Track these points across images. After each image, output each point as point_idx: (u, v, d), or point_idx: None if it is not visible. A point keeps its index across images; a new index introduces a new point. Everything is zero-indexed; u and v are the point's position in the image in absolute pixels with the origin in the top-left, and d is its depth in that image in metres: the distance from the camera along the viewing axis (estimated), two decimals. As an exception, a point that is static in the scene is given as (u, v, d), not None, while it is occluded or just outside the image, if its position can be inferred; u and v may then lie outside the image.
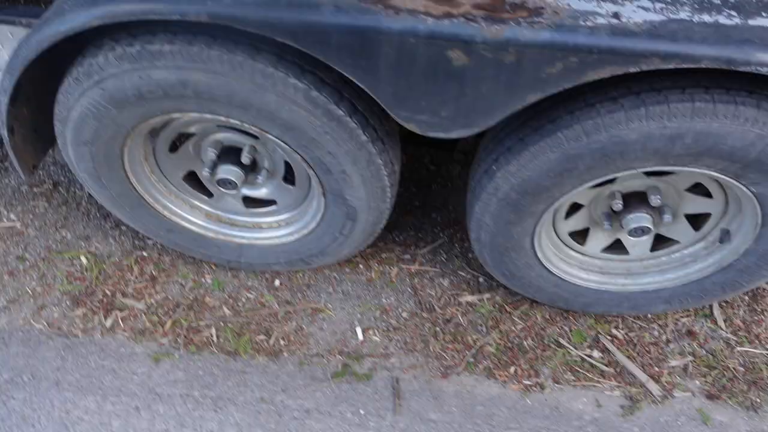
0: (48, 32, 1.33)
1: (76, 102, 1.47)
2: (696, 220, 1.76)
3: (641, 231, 1.67)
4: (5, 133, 1.62)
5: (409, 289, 2.13)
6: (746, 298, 2.12)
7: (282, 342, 2.00)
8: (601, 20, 1.19)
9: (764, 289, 2.13)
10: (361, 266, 2.19)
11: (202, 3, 1.21)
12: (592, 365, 1.95)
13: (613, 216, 1.73)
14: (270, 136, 1.53)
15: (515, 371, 1.94)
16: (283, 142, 1.52)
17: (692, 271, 1.81)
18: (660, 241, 1.83)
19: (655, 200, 1.63)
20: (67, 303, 2.06)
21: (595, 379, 1.93)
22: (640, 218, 1.66)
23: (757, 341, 2.02)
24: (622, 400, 1.89)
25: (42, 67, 1.46)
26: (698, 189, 1.66)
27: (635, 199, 1.68)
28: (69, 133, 1.57)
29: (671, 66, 1.17)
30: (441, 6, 1.21)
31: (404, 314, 2.07)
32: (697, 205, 1.69)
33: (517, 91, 1.27)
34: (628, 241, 1.81)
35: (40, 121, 1.71)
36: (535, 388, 1.91)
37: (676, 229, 1.77)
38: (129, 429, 1.79)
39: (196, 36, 1.32)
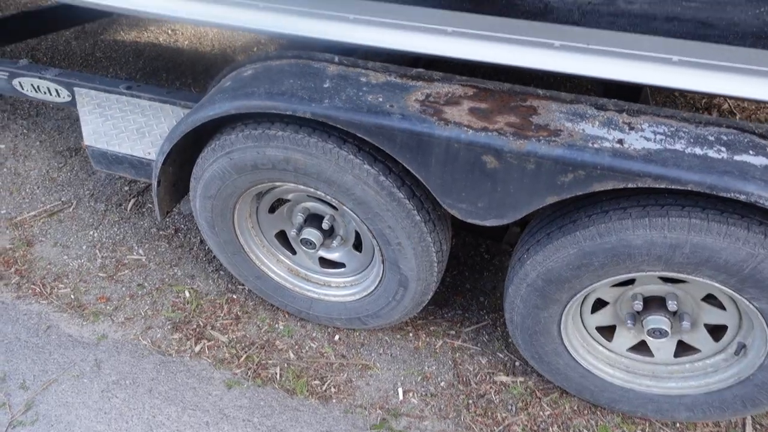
0: (201, 115, 1.85)
1: (209, 166, 1.98)
2: (717, 332, 1.89)
3: (659, 332, 1.84)
4: (155, 184, 2.16)
5: (450, 362, 2.37)
6: (784, 424, 2.13)
7: (333, 389, 2.28)
8: (606, 144, 1.50)
9: (804, 418, 2.14)
10: (410, 335, 2.47)
11: (308, 104, 1.68)
12: (613, 461, 2.05)
13: (636, 316, 1.91)
14: (346, 208, 1.93)
15: (537, 452, 2.08)
16: (354, 213, 1.92)
17: (713, 381, 1.91)
18: (684, 349, 1.96)
19: (672, 305, 1.81)
20: (169, 327, 2.51)
21: (614, 474, 2.02)
22: (658, 320, 1.83)
23: (790, 469, 2.02)
24: (638, 499, 1.96)
25: (188, 138, 1.99)
26: (716, 301, 1.82)
27: (655, 303, 1.86)
28: (200, 188, 2.07)
29: (662, 186, 1.43)
30: (481, 122, 1.58)
31: (442, 383, 2.30)
32: (713, 316, 1.84)
33: (538, 193, 1.58)
34: (652, 343, 1.97)
35: (178, 177, 2.24)
36: (553, 472, 2.03)
37: (697, 337, 1.91)
38: (195, 437, 2.13)
39: (301, 127, 1.79)
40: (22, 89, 2.75)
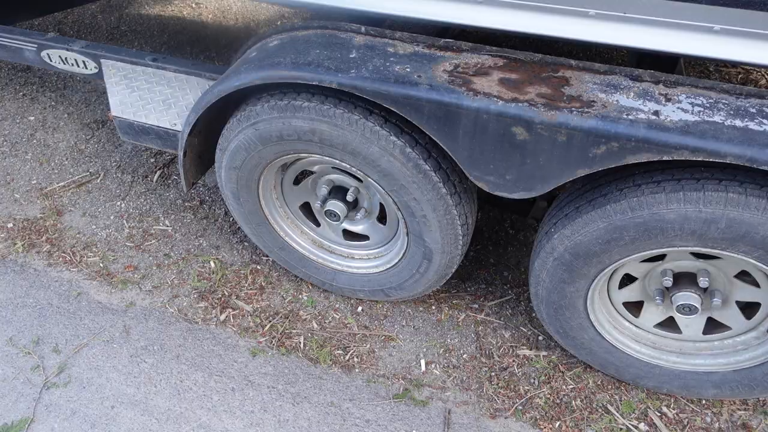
0: (227, 85, 1.84)
1: (235, 137, 1.98)
2: (749, 309, 1.85)
3: (688, 309, 1.81)
4: (181, 155, 2.17)
5: (473, 335, 2.37)
6: (814, 404, 2.10)
7: (356, 359, 2.31)
8: (641, 115, 1.45)
9: (834, 399, 2.10)
10: (433, 307, 2.47)
11: (334, 74, 1.66)
12: (636, 436, 2.04)
13: (665, 293, 1.88)
14: (371, 180, 1.92)
15: (560, 426, 2.08)
16: (380, 185, 1.91)
17: (743, 359, 1.88)
18: (713, 326, 1.93)
19: (703, 282, 1.78)
20: (195, 296, 2.55)
21: (637, 449, 2.01)
22: (688, 296, 1.80)
23: (818, 449, 1.99)
24: (661, 474, 1.96)
25: (213, 109, 1.99)
26: (749, 278, 1.78)
27: (685, 279, 1.83)
28: (225, 160, 2.08)
29: (700, 158, 1.39)
30: (511, 92, 1.55)
31: (465, 356, 2.30)
32: (746, 292, 1.80)
33: (569, 165, 1.55)
34: (680, 320, 1.94)
35: (204, 148, 2.25)
36: (576, 445, 2.03)
37: (728, 314, 1.87)
38: (224, 404, 2.17)
39: (327, 98, 1.77)
40: (50, 61, 2.77)
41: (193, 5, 4.66)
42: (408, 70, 1.65)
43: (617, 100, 1.50)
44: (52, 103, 3.65)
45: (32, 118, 3.54)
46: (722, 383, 1.94)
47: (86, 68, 2.65)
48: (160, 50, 4.11)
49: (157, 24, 4.41)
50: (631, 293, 1.97)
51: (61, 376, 2.27)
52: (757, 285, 1.77)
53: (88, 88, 3.76)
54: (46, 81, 3.83)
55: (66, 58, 2.69)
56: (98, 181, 3.12)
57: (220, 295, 2.54)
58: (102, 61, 2.54)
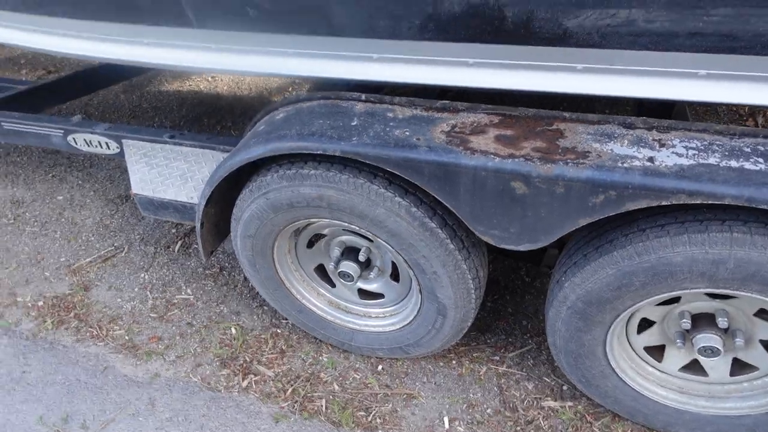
0: (239, 158, 1.94)
1: (248, 206, 2.05)
2: (774, 348, 1.81)
3: (710, 351, 1.77)
4: (198, 226, 2.25)
5: (496, 388, 2.34)
6: None
7: (378, 420, 2.29)
8: (636, 162, 1.48)
9: None
10: (453, 362, 2.45)
11: (337, 143, 1.74)
12: (672, 487, 1.96)
13: (685, 335, 1.85)
14: (380, 240, 1.96)
15: (591, 480, 2.02)
16: (389, 245, 1.95)
17: (775, 400, 1.82)
18: (740, 366, 1.88)
19: (722, 322, 1.75)
20: (217, 363, 2.58)
21: (675, 502, 1.93)
22: (709, 338, 1.77)
23: None
24: None
25: (227, 181, 2.08)
26: (769, 316, 1.75)
27: (704, 321, 1.80)
28: (240, 228, 2.15)
29: (698, 201, 1.41)
30: (507, 148, 1.60)
31: (489, 410, 2.27)
32: (768, 331, 1.76)
33: (570, 215, 1.57)
34: (704, 362, 1.90)
35: (220, 218, 2.33)
36: (609, 500, 1.96)
37: (753, 354, 1.83)
38: (246, 473, 2.16)
39: (333, 165, 1.84)
40: (76, 144, 2.93)
41: (209, 79, 4.90)
42: (407, 133, 1.72)
43: (612, 149, 1.54)
44: (79, 181, 3.83)
45: (60, 197, 3.71)
46: (756, 426, 1.87)
47: (109, 149, 2.80)
48: (179, 123, 4.31)
49: (176, 99, 4.64)
50: (651, 337, 1.94)
51: (89, 452, 2.29)
52: (779, 323, 1.73)
53: (113, 164, 3.94)
54: (73, 161, 4.03)
55: (90, 141, 2.85)
56: (123, 254, 3.22)
57: (241, 362, 2.56)
58: (123, 141, 2.69)
